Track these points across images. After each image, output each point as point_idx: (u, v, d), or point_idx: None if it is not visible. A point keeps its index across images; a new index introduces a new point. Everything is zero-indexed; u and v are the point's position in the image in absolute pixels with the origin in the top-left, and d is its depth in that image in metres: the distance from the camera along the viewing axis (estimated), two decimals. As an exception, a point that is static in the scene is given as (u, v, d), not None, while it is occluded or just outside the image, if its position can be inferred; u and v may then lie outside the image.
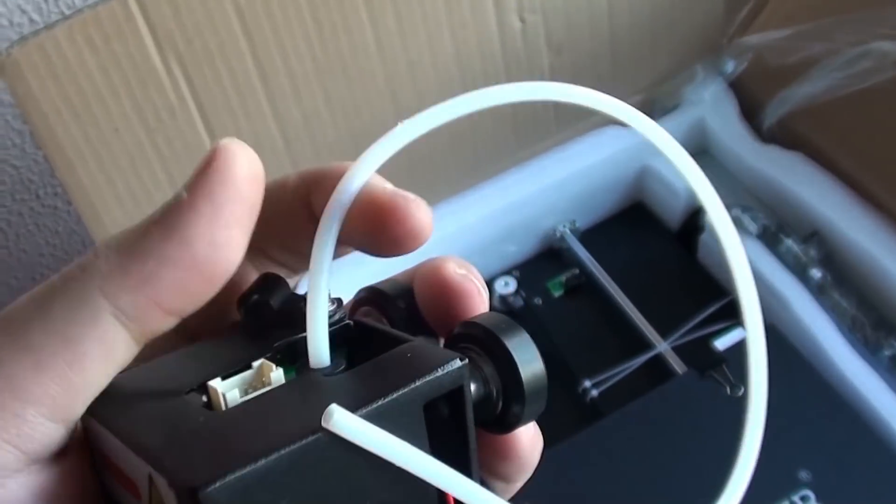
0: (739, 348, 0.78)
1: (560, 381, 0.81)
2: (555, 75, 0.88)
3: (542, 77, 0.87)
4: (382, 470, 0.27)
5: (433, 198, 0.88)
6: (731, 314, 0.83)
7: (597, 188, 0.91)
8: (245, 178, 0.29)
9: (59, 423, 0.28)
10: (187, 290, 0.28)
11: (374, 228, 0.30)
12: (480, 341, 0.32)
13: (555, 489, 0.73)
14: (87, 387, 0.28)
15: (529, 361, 0.32)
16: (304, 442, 0.26)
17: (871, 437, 0.72)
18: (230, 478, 0.25)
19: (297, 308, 0.31)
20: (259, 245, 0.32)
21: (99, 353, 0.28)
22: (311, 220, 0.31)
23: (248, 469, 0.25)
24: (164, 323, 0.29)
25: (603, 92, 0.96)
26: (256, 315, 0.33)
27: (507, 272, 0.90)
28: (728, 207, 0.83)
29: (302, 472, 0.26)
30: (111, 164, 0.74)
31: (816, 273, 0.81)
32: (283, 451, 0.26)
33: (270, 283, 0.33)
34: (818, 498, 0.69)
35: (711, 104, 0.94)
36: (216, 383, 0.29)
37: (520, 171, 0.89)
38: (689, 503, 0.71)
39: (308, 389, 0.29)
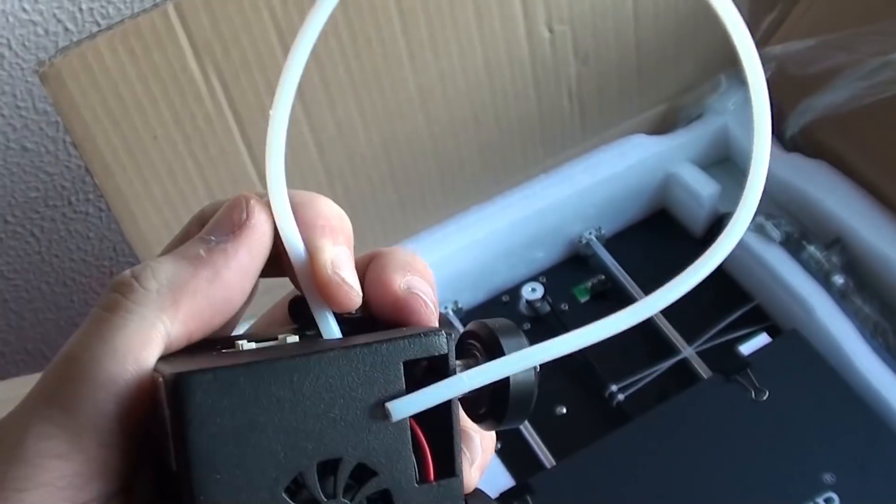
0: (764, 353, 0.79)
1: (587, 385, 0.83)
2: (581, 84, 0.89)
3: (568, 85, 0.89)
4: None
5: (463, 204, 0.89)
6: (755, 320, 0.84)
7: (622, 195, 0.92)
8: (269, 233, 0.35)
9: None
10: (213, 322, 0.34)
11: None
12: (483, 340, 0.35)
13: (582, 492, 0.74)
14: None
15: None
16: (272, 363, 0.30)
17: (894, 439, 0.73)
18: (204, 374, 0.29)
19: None
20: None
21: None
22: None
23: (217, 370, 0.29)
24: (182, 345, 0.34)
25: (630, 100, 0.96)
26: (300, 313, 0.37)
27: (535, 278, 0.91)
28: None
29: (265, 393, 0.30)
30: (149, 171, 0.76)
31: (839, 279, 0.82)
32: (252, 366, 0.30)
33: None
34: (842, 500, 0.70)
35: (735, 113, 0.95)
36: (242, 342, 0.33)
37: (547, 179, 0.91)
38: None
39: (307, 342, 0.34)
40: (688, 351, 0.82)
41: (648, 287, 0.86)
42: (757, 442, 0.74)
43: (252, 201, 0.34)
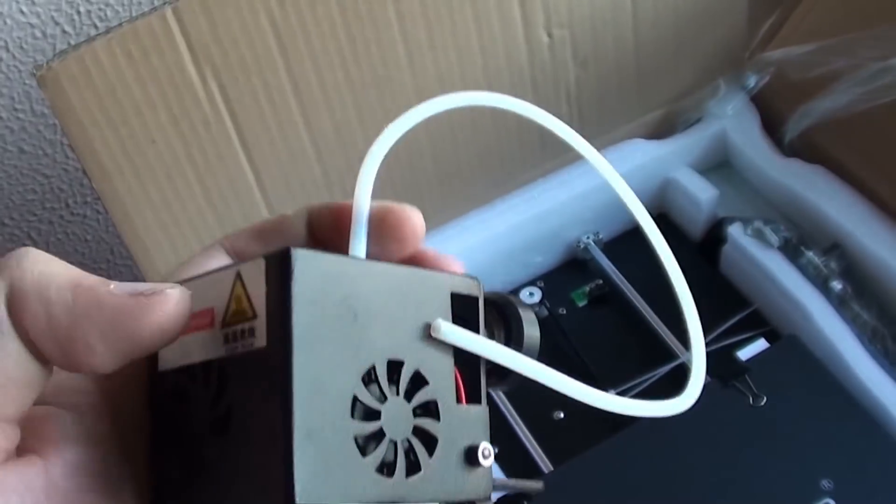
0: (762, 359, 0.79)
1: (584, 389, 0.82)
2: (580, 88, 0.89)
3: (567, 90, 0.89)
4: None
5: (461, 208, 0.89)
6: (753, 325, 0.84)
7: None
8: (154, 328, 0.32)
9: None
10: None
11: (383, 230, 0.36)
12: (499, 306, 0.38)
13: (579, 497, 0.74)
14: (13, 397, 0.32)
15: (532, 332, 0.38)
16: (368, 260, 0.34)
17: (892, 445, 0.73)
18: (309, 252, 0.31)
19: None
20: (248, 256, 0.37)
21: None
22: (303, 240, 0.38)
23: (320, 252, 0.32)
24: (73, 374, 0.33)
25: (629, 105, 0.96)
26: None
27: (532, 282, 0.91)
28: (750, 220, 0.85)
29: (357, 284, 0.32)
30: (147, 175, 0.75)
31: (837, 285, 0.82)
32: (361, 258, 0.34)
33: None
34: (839, 506, 0.70)
35: (734, 118, 0.95)
36: None
37: (545, 183, 0.91)
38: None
39: None
40: (685, 356, 0.82)
41: (647, 292, 0.87)
42: (754, 448, 0.74)
43: (174, 290, 0.32)
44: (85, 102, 0.71)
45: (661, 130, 0.97)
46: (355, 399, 0.31)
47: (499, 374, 0.36)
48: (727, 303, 0.86)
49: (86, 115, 0.72)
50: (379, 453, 0.32)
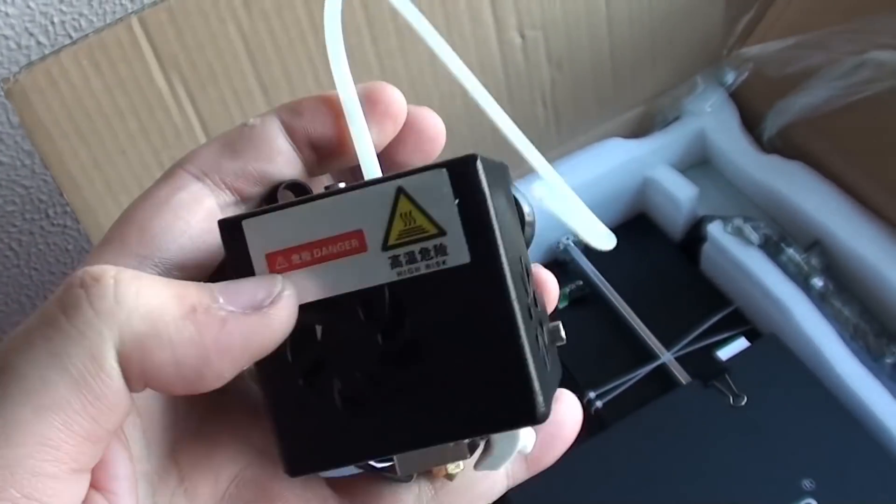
0: (742, 358, 0.79)
1: (565, 392, 0.82)
2: (556, 89, 0.89)
3: (542, 91, 0.88)
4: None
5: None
6: (733, 324, 0.83)
7: (600, 200, 0.92)
8: (282, 331, 0.31)
9: (78, 473, 0.28)
10: (170, 386, 0.29)
11: (376, 110, 0.36)
12: None
13: (560, 499, 0.73)
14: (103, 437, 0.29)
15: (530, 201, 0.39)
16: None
17: (874, 444, 0.72)
18: (478, 157, 0.31)
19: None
20: (221, 176, 0.35)
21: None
22: (282, 142, 0.35)
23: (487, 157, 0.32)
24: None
25: (606, 104, 0.95)
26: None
27: (512, 284, 0.91)
28: (730, 218, 0.84)
29: (500, 185, 0.33)
30: (118, 185, 0.75)
31: (818, 282, 0.82)
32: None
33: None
34: (821, 506, 0.70)
35: (712, 115, 0.94)
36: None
37: (522, 185, 0.90)
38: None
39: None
40: (666, 356, 0.82)
41: (627, 292, 0.86)
42: (735, 448, 0.73)
43: (286, 291, 0.31)
44: (53, 114, 0.71)
45: (640, 129, 0.97)
46: (526, 304, 0.31)
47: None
48: (708, 302, 0.86)
49: (54, 126, 0.71)
50: (542, 350, 0.33)
